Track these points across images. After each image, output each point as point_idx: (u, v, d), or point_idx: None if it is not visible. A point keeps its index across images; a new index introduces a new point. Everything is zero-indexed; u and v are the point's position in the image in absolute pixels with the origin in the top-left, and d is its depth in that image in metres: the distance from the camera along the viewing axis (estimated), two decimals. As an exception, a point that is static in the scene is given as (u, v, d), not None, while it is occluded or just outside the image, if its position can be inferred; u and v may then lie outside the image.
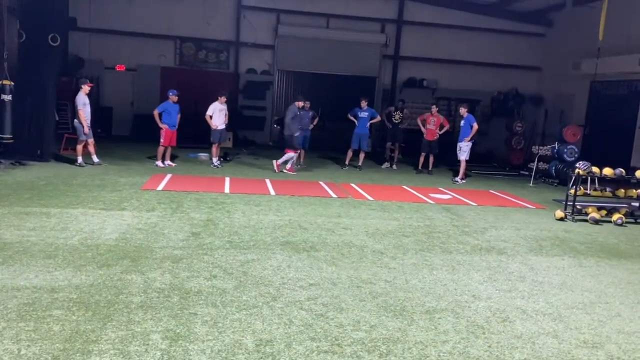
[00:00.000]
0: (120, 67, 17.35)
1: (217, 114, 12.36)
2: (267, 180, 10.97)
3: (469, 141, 12.65)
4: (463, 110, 12.91)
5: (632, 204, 9.91)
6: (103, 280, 4.87)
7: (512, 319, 4.67)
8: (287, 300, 4.72)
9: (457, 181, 12.66)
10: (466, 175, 13.05)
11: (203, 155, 13.57)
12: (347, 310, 4.58)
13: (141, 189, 9.29)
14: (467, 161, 12.83)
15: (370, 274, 5.61)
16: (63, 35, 12.30)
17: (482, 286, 5.48)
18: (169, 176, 10.70)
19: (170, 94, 12.08)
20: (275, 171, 12.00)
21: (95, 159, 11.44)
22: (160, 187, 9.51)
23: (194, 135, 14.62)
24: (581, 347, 4.24)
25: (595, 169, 9.36)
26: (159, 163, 11.99)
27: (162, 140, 11.89)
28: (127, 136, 17.07)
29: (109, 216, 7.24)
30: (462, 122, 12.86)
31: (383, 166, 14.57)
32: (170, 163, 12.21)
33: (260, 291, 4.88)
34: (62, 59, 13.07)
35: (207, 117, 12.33)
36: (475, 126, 12.62)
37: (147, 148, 13.60)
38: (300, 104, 12.36)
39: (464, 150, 12.69)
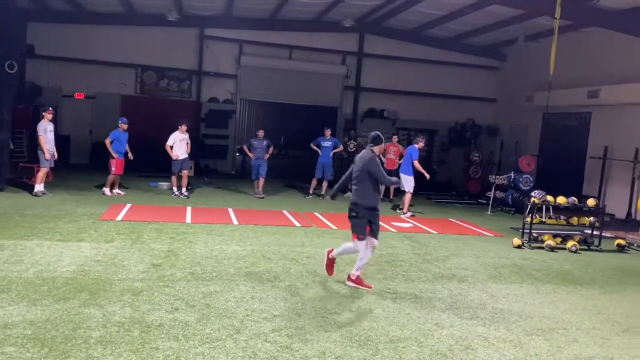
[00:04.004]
0: (79, 95, 17.10)
1: (177, 144, 12.23)
2: (230, 210, 10.89)
3: (401, 169, 12.14)
4: (421, 142, 12.22)
5: (585, 231, 10.28)
6: (60, 315, 4.71)
7: (474, 347, 4.74)
8: (251, 332, 4.66)
9: (402, 215, 11.89)
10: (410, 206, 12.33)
11: (164, 185, 13.37)
12: (312, 342, 4.56)
13: (99, 219, 9.08)
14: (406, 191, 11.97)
15: (334, 303, 5.61)
16: (20, 62, 12.07)
17: (445, 314, 5.55)
18: (128, 206, 10.49)
19: (121, 121, 11.98)
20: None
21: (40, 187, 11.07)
22: (119, 217, 9.31)
23: (154, 164, 14.44)
24: (541, 373, 4.33)
25: (549, 198, 9.69)
26: (107, 191, 11.73)
27: (113, 168, 11.71)
28: (85, 164, 16.71)
29: (66, 248, 7.04)
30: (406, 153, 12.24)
31: (346, 195, 14.66)
32: (120, 192, 11.97)
33: (224, 323, 4.80)
34: (18, 86, 12.81)
35: (168, 147, 12.17)
36: (416, 163, 11.93)
37: (106, 177, 13.29)
38: (381, 149, 6.93)
39: (406, 181, 11.90)
